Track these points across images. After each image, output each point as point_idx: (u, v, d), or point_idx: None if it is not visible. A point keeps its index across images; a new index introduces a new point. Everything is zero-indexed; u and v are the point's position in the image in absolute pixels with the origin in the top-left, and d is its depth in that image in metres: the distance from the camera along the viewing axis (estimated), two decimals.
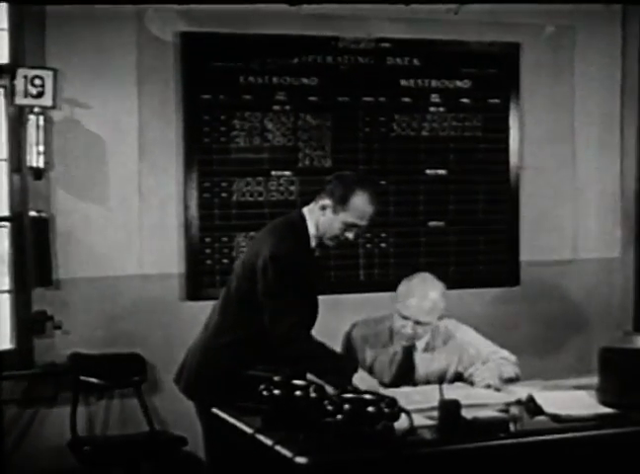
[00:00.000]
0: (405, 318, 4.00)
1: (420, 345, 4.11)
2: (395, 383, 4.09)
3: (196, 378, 3.96)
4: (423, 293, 4.01)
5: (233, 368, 3.76)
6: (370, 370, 4.13)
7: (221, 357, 3.90)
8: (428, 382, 4.08)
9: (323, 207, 3.86)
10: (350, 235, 3.89)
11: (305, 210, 3.94)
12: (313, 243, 3.93)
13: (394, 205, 5.66)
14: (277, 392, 3.25)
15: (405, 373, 4.12)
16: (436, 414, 3.31)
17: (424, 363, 4.12)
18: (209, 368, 3.92)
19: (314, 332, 3.89)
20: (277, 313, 3.76)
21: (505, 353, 4.16)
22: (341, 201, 3.82)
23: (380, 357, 4.16)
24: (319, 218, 3.87)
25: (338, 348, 4.18)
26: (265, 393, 3.27)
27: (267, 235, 3.94)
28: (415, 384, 4.09)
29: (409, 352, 4.12)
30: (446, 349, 4.14)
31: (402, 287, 4.07)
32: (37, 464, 5.05)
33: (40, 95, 4.90)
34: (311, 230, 3.90)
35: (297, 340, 3.76)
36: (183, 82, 5.28)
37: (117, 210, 5.23)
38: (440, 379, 4.07)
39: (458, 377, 4.11)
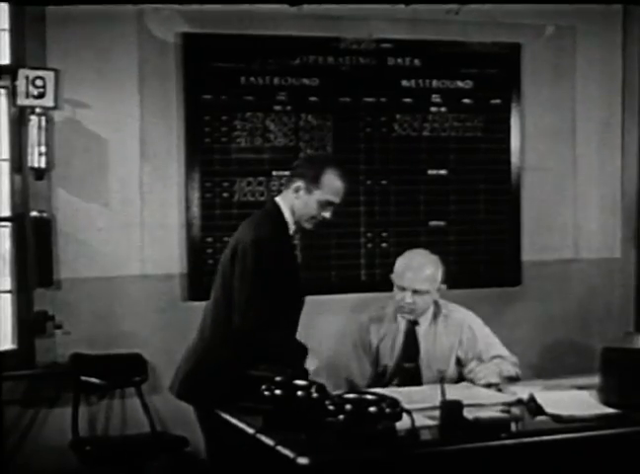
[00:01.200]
0: (403, 289, 4.11)
1: (423, 322, 4.18)
2: (399, 365, 4.16)
3: (188, 381, 3.95)
4: (418, 266, 4.15)
5: (226, 368, 3.77)
6: (377, 353, 4.22)
7: (214, 358, 3.89)
8: (430, 367, 4.14)
9: (296, 190, 3.90)
10: (326, 214, 3.94)
11: (278, 199, 3.98)
12: (291, 229, 3.96)
13: (395, 205, 5.66)
14: (278, 392, 3.26)
15: (409, 351, 4.19)
16: (437, 414, 3.32)
17: (427, 344, 4.18)
18: (202, 369, 3.90)
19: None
20: (250, 298, 3.76)
21: (505, 351, 4.20)
22: (313, 181, 3.88)
23: (385, 339, 4.24)
24: (293, 202, 3.92)
25: (342, 345, 4.23)
26: (266, 393, 3.27)
27: (244, 227, 3.98)
28: (418, 367, 4.15)
29: (412, 328, 4.19)
30: (447, 330, 4.22)
31: (398, 263, 4.21)
32: (38, 464, 5.05)
33: (41, 95, 4.91)
34: (287, 216, 3.93)
35: (266, 327, 3.76)
36: (184, 82, 5.29)
37: (118, 211, 5.24)
38: (444, 364, 4.13)
39: (459, 363, 4.17)
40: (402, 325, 4.22)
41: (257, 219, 3.97)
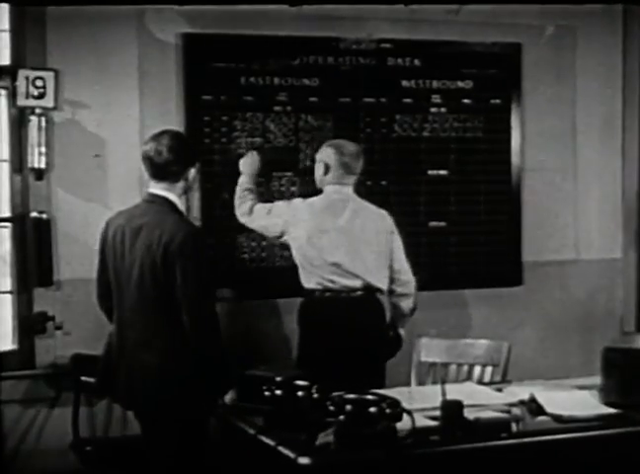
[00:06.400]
0: None
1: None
2: None
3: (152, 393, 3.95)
4: None
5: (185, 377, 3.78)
6: None
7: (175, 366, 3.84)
8: None
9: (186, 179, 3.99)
10: None
11: (162, 192, 3.99)
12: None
13: (395, 206, 5.64)
14: (279, 393, 3.26)
15: None
16: (438, 414, 3.31)
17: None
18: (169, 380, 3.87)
19: None
20: (203, 297, 3.77)
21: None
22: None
23: None
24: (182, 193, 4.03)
25: None
26: (267, 394, 3.27)
27: (157, 224, 3.90)
28: None
29: None
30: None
31: None
32: (38, 465, 5.05)
33: (41, 96, 4.90)
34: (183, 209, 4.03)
35: (218, 329, 3.77)
36: (184, 83, 5.28)
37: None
38: None
39: None
40: None
41: (171, 216, 3.92)
